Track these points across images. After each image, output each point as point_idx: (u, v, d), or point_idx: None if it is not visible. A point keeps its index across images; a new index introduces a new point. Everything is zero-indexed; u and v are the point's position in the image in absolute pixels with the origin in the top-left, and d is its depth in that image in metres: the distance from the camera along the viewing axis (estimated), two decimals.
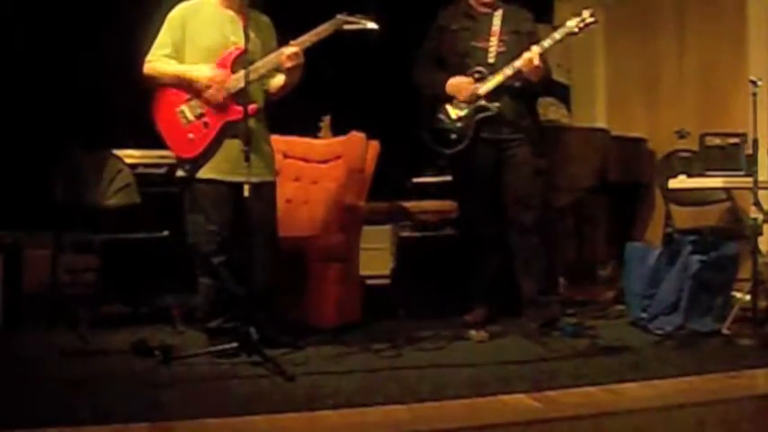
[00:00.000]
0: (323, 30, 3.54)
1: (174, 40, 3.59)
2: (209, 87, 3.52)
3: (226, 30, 3.60)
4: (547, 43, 3.89)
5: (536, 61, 3.83)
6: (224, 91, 3.52)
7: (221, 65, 3.56)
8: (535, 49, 3.85)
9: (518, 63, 3.88)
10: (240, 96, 3.49)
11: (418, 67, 4.21)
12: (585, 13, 3.89)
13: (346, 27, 3.55)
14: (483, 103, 3.98)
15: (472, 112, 4.00)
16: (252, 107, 3.49)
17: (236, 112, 3.49)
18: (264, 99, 3.72)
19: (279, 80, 3.71)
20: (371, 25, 3.55)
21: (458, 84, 4.02)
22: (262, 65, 3.55)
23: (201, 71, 3.54)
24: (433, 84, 4.11)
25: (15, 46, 4.88)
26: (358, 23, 3.55)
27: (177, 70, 3.58)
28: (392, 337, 3.83)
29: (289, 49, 3.53)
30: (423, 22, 4.28)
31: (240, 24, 3.54)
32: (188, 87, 3.56)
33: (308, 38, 3.55)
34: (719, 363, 3.30)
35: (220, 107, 3.53)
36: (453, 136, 4.04)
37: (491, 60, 4.01)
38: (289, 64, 3.54)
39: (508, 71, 3.92)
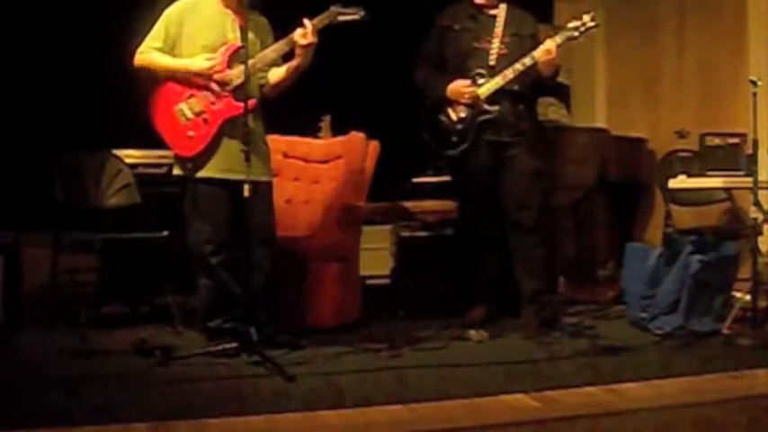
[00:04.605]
0: (318, 21, 3.54)
1: (169, 35, 3.59)
2: (211, 77, 3.53)
3: (224, 28, 3.61)
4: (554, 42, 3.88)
5: (554, 52, 3.82)
6: (223, 87, 3.53)
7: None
8: (550, 41, 3.85)
9: (536, 54, 3.86)
10: (239, 92, 3.49)
11: (418, 68, 4.21)
12: (586, 17, 3.88)
13: (341, 18, 3.56)
14: (484, 105, 3.98)
15: (473, 114, 4.00)
16: (251, 102, 3.49)
17: (236, 108, 3.50)
18: (260, 96, 3.71)
19: (279, 73, 3.71)
20: (364, 15, 3.56)
21: (457, 88, 4.01)
22: (257, 59, 3.56)
23: (200, 64, 3.54)
24: (434, 87, 4.10)
25: (15, 46, 4.88)
26: (352, 15, 3.55)
27: (174, 64, 3.58)
28: (392, 337, 3.83)
29: (301, 30, 3.53)
30: (423, 21, 4.28)
31: (238, 23, 3.56)
32: (184, 81, 3.56)
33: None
34: (719, 363, 3.31)
35: (219, 103, 3.54)
36: (454, 138, 4.04)
37: (492, 63, 4.01)
38: (303, 41, 3.53)
39: (519, 66, 3.90)
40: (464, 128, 4.02)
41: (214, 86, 3.55)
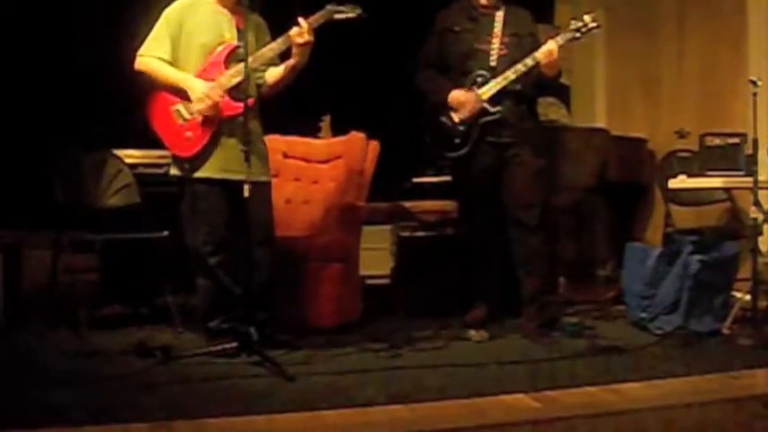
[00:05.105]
0: (314, 20, 3.54)
1: (172, 37, 3.59)
2: (201, 101, 3.52)
3: (221, 28, 3.61)
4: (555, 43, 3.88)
5: (555, 53, 3.82)
6: (219, 88, 3.53)
7: (215, 62, 3.58)
8: (552, 42, 3.85)
9: (538, 55, 3.86)
10: (237, 92, 3.49)
11: (420, 71, 4.20)
12: (587, 18, 3.88)
13: (337, 17, 3.56)
14: (486, 106, 3.98)
15: (475, 116, 3.99)
16: (249, 101, 3.49)
17: (233, 108, 3.50)
18: (258, 95, 3.71)
19: (276, 72, 3.71)
20: (360, 13, 3.56)
21: (460, 100, 3.99)
22: (254, 59, 3.55)
23: (197, 85, 3.53)
24: (436, 91, 4.09)
25: (15, 45, 4.88)
26: (349, 13, 3.55)
27: (172, 78, 3.57)
28: (392, 337, 3.83)
29: (297, 28, 3.53)
30: (423, 21, 4.27)
31: (235, 23, 3.57)
32: (180, 93, 3.56)
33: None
34: (719, 363, 3.30)
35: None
36: (457, 140, 4.03)
37: (493, 63, 4.00)
38: (300, 40, 3.53)
39: (521, 67, 3.89)
40: (467, 130, 4.01)
41: (199, 110, 3.52)
